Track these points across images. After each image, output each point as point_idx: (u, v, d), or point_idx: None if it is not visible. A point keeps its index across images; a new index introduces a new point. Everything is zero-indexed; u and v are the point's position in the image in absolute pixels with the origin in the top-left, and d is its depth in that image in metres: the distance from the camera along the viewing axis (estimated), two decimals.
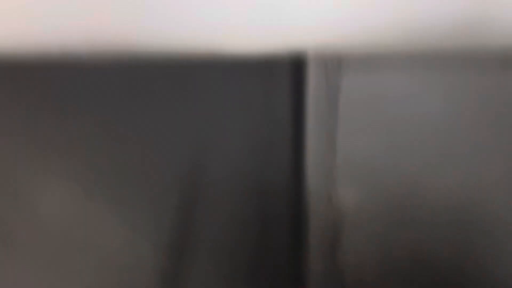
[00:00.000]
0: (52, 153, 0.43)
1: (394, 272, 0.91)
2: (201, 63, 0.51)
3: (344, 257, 0.93)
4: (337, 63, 0.62)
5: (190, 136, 0.48)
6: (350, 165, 0.81)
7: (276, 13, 0.62)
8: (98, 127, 0.43)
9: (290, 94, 0.68)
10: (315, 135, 0.79)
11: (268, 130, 0.57)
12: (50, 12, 0.43)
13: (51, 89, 0.42)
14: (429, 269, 0.81)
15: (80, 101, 0.44)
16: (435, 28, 0.65)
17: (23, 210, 0.43)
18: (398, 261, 0.89)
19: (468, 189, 0.84)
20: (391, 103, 0.77)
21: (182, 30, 0.54)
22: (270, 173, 0.67)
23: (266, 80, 0.59)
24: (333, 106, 0.80)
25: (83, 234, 0.44)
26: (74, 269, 0.45)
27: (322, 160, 0.81)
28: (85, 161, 0.43)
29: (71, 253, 0.44)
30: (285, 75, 0.63)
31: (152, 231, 0.46)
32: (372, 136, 0.76)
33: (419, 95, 0.75)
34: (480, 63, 0.65)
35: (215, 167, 0.48)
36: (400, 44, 0.65)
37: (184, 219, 0.50)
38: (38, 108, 0.42)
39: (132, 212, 0.44)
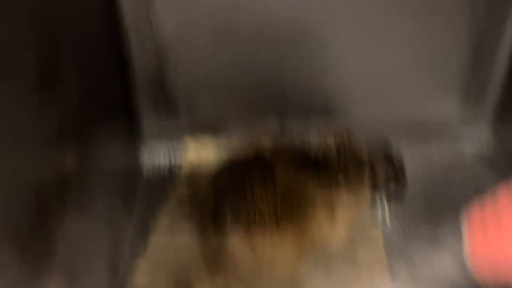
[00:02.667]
0: None
1: (222, 88, 0.96)
2: None
3: (173, 84, 0.96)
4: None
5: None
6: None
7: None
8: None
9: None
10: None
11: None
12: None
13: None
14: (254, 82, 0.92)
15: None
16: None
17: None
18: (225, 78, 0.94)
19: (286, 8, 0.89)
20: None
21: None
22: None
23: None
24: None
25: None
26: None
27: None
28: None
29: None
30: None
31: None
32: None
33: None
34: None
35: None
36: None
37: None
38: None
39: None
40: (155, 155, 1.07)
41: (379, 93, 1.03)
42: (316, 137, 0.79)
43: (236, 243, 0.70)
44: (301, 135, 0.80)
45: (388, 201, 0.83)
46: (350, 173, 0.77)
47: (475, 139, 1.06)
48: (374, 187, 0.80)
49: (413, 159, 0.96)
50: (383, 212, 0.87)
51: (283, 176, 0.72)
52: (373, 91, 1.03)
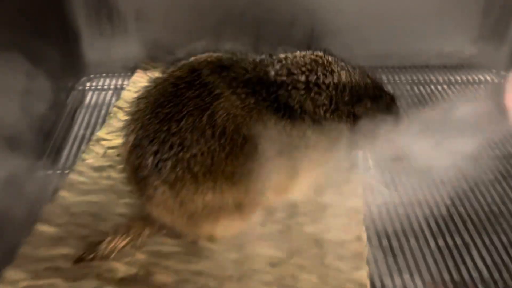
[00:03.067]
0: None
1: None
2: None
3: None
4: None
5: None
6: None
7: None
8: None
9: None
10: None
11: None
12: None
13: None
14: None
15: None
16: None
17: None
18: None
19: None
20: None
21: None
22: None
23: None
24: None
25: None
26: None
27: None
28: None
29: None
30: None
31: None
32: None
33: None
34: None
35: None
36: None
37: None
38: None
39: None
40: (98, 80, 0.97)
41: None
42: (286, 65, 0.58)
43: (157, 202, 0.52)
44: (268, 62, 0.59)
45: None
46: (323, 109, 0.57)
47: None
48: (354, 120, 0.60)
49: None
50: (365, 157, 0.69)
51: (226, 105, 0.51)
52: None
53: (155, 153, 0.51)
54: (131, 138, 0.53)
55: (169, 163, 0.50)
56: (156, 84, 0.55)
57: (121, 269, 0.56)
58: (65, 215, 0.62)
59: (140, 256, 0.57)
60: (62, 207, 0.63)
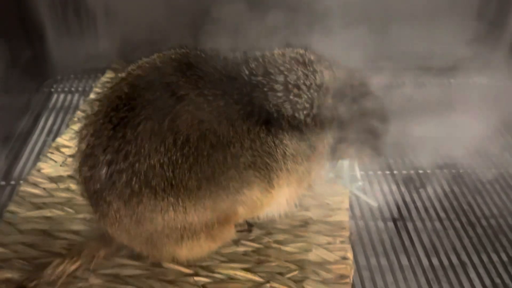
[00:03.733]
0: None
1: None
2: None
3: None
4: None
5: None
6: None
7: None
8: None
9: None
10: None
11: None
12: None
13: None
14: None
15: None
16: None
17: None
18: None
19: None
20: None
21: None
22: None
23: None
24: None
25: None
26: None
27: None
28: None
29: None
30: None
31: None
32: None
33: None
34: None
35: None
36: None
37: None
38: None
39: None
40: (65, 82, 0.90)
41: None
42: (263, 64, 0.51)
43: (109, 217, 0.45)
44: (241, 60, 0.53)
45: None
46: (303, 113, 0.51)
47: None
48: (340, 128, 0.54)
49: None
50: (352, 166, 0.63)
51: (190, 109, 0.45)
52: None
53: (109, 163, 0.44)
54: (83, 145, 0.47)
55: (124, 176, 0.43)
56: (112, 85, 0.49)
57: None
58: (13, 233, 0.55)
59: (95, 281, 0.50)
60: (10, 224, 0.55)
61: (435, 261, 0.59)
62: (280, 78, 0.50)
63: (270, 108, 0.49)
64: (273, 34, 0.86)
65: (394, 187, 0.69)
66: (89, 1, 0.81)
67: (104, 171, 0.44)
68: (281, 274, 0.52)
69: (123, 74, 0.49)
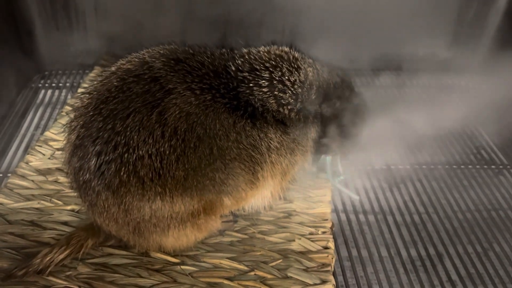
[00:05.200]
0: None
1: None
2: None
3: None
4: None
5: None
6: None
7: None
8: None
9: None
10: None
11: None
12: None
13: None
14: None
15: None
16: None
17: None
18: None
19: None
20: None
21: None
22: None
23: None
24: None
25: None
26: None
27: None
28: None
29: None
30: None
31: None
32: None
33: None
34: None
35: None
36: None
37: None
38: None
39: None
40: (53, 77, 0.90)
41: None
42: (249, 60, 0.53)
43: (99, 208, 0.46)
44: (228, 57, 0.54)
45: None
46: (287, 108, 0.52)
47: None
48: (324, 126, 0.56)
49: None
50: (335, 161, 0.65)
51: (178, 102, 0.46)
52: None
53: (98, 154, 0.45)
54: (73, 136, 0.48)
55: (113, 166, 0.45)
56: (102, 78, 0.50)
57: (60, 284, 0.49)
58: (1, 223, 0.55)
59: (83, 269, 0.51)
60: None
61: (413, 252, 0.61)
62: (266, 74, 0.52)
63: (255, 102, 0.51)
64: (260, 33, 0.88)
65: (375, 182, 0.71)
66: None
67: (93, 161, 0.45)
68: (265, 262, 0.54)
69: (113, 68, 0.51)
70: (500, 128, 0.84)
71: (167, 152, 0.45)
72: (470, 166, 0.77)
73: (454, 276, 0.59)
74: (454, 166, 0.77)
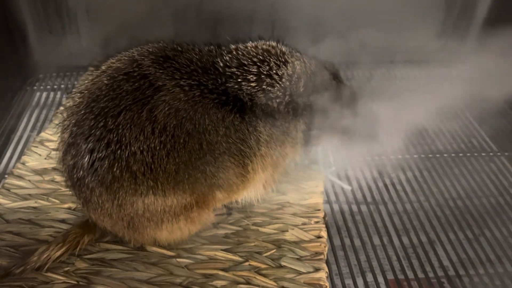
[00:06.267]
0: None
1: None
2: None
3: None
4: None
5: None
6: None
7: None
8: None
9: None
10: None
11: None
12: None
13: None
14: None
15: None
16: None
17: None
18: None
19: None
20: None
21: None
22: None
23: None
24: None
25: None
26: None
27: None
28: None
29: None
30: None
31: None
32: None
33: None
34: None
35: None
36: None
37: None
38: None
39: None
40: (48, 80, 0.92)
41: None
42: (237, 56, 0.54)
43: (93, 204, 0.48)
44: (217, 53, 0.55)
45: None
46: (276, 102, 0.53)
47: None
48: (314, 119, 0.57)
49: None
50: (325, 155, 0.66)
51: (167, 99, 0.47)
52: None
53: (91, 151, 0.46)
54: (66, 135, 0.49)
55: (106, 162, 0.46)
56: (93, 77, 0.51)
57: (59, 280, 0.51)
58: (0, 222, 0.57)
59: (81, 265, 0.52)
60: None
61: (405, 240, 0.62)
62: (253, 69, 0.53)
63: (244, 97, 0.52)
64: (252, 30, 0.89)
65: (367, 172, 0.72)
66: (69, 1, 0.83)
67: (86, 159, 0.46)
68: (259, 253, 0.55)
69: (103, 67, 0.52)
70: (491, 116, 0.85)
71: (158, 148, 0.46)
72: (461, 154, 0.79)
73: (446, 262, 0.60)
74: (445, 155, 0.78)
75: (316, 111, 0.57)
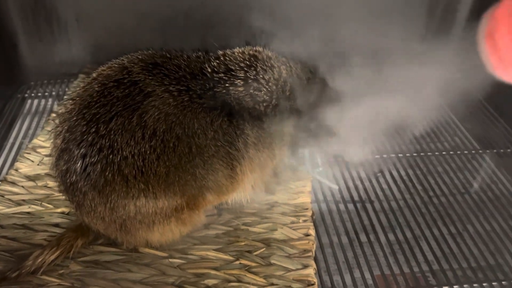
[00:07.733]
0: None
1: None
2: None
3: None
4: None
5: None
6: None
7: None
8: None
9: None
10: None
11: None
12: None
13: None
14: None
15: None
16: None
17: None
18: None
19: None
20: None
21: None
22: None
23: None
24: None
25: None
26: None
27: None
28: None
29: None
30: None
31: None
32: None
33: None
34: None
35: None
36: None
37: None
38: None
39: None
40: (39, 88, 0.93)
41: None
42: (224, 61, 0.56)
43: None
44: (204, 59, 0.57)
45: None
46: (263, 105, 0.55)
47: None
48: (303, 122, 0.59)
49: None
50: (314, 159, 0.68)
51: (157, 104, 0.49)
52: None
53: (83, 156, 0.48)
54: (59, 141, 0.50)
55: (99, 167, 0.47)
56: (84, 84, 0.52)
57: (54, 282, 0.52)
58: None
59: (75, 267, 0.54)
60: None
61: (391, 236, 0.64)
62: (241, 74, 0.55)
63: (231, 101, 0.54)
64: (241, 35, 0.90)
65: (353, 172, 0.74)
66: (60, 8, 0.84)
67: (79, 164, 0.48)
68: (249, 252, 0.57)
69: (94, 74, 0.53)
70: (473, 115, 0.88)
71: (148, 152, 0.47)
72: (444, 153, 0.81)
73: (431, 257, 0.62)
74: (429, 153, 0.81)
75: (302, 114, 0.59)
